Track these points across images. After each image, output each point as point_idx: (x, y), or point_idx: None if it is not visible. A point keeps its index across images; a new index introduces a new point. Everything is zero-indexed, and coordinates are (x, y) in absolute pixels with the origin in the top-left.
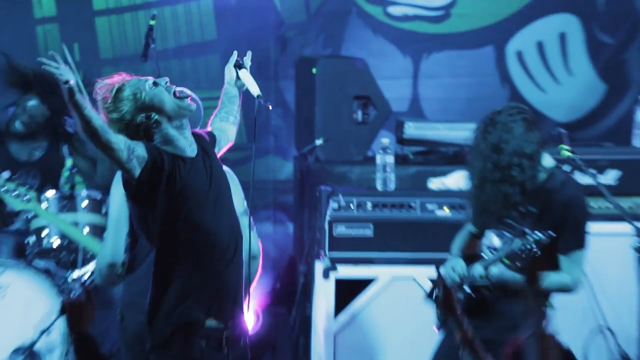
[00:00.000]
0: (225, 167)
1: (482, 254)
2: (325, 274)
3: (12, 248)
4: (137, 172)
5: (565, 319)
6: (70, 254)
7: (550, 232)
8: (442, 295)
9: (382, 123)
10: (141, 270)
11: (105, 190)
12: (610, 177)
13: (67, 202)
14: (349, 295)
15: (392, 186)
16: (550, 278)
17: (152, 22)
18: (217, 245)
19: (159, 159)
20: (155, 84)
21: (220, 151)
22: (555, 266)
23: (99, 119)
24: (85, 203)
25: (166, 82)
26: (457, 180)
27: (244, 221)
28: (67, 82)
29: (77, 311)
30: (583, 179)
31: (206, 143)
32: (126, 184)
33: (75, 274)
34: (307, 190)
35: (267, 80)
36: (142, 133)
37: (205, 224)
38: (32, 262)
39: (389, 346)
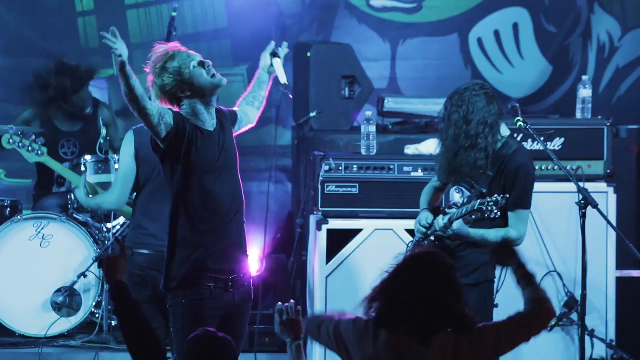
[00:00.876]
0: None
1: (446, 209)
2: (319, 226)
3: (58, 205)
4: (163, 134)
5: None
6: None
7: (506, 195)
8: None
9: (365, 98)
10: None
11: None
12: (556, 143)
13: (102, 165)
14: (338, 244)
15: (374, 152)
16: (498, 233)
17: (174, 14)
18: (221, 207)
19: (182, 127)
20: (201, 63)
21: (240, 130)
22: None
23: (140, 88)
24: (117, 166)
25: (209, 65)
26: (429, 146)
27: None
28: (120, 55)
29: (112, 264)
30: (534, 145)
31: (225, 118)
32: (155, 148)
33: (109, 226)
34: (303, 155)
35: None
36: (175, 101)
37: (210, 189)
38: (73, 215)
39: (371, 286)
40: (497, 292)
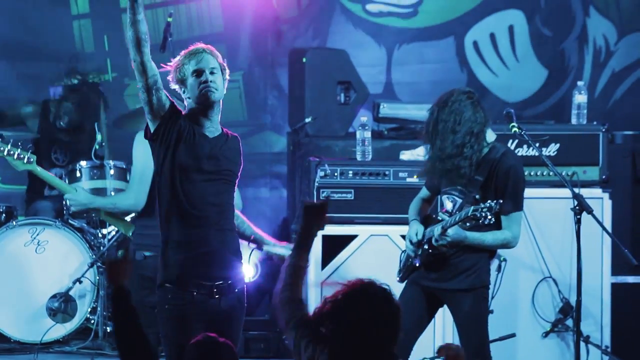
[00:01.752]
0: None
1: (438, 217)
2: None
3: (51, 208)
4: (154, 107)
5: (516, 270)
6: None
7: (499, 200)
8: None
9: (361, 104)
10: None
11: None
12: (551, 149)
13: (97, 171)
14: (334, 250)
15: (369, 157)
16: (494, 235)
17: (169, 19)
18: (199, 217)
19: (175, 117)
20: (196, 72)
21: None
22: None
23: (145, 26)
24: (112, 172)
25: (204, 78)
26: (424, 152)
27: None
28: None
29: (115, 268)
30: (529, 151)
31: (236, 145)
32: (146, 132)
33: (104, 231)
34: (298, 161)
35: (265, 68)
36: (179, 96)
37: (186, 193)
38: (68, 221)
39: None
40: (493, 298)
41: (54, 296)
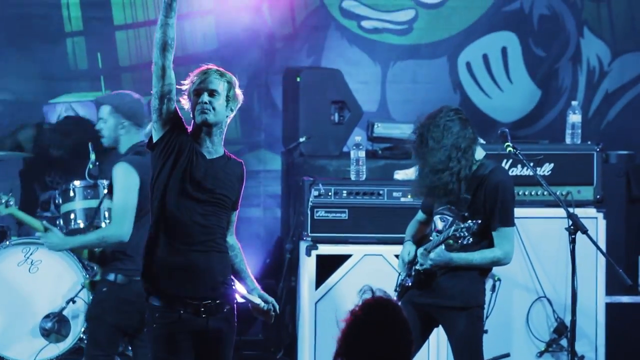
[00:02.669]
0: None
1: (430, 238)
2: (308, 252)
3: None
4: (163, 115)
5: (510, 290)
6: None
7: (477, 220)
8: None
9: (355, 123)
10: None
11: None
12: (546, 169)
13: (91, 191)
14: (328, 270)
15: (363, 177)
16: (482, 254)
17: None
18: (184, 235)
19: (182, 130)
20: (196, 92)
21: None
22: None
23: (173, 32)
24: (105, 191)
25: (202, 99)
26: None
27: None
28: None
29: None
30: (524, 170)
31: (236, 171)
32: (149, 142)
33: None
34: (292, 180)
35: (259, 87)
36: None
37: (173, 209)
38: None
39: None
40: (487, 317)
41: (47, 316)
